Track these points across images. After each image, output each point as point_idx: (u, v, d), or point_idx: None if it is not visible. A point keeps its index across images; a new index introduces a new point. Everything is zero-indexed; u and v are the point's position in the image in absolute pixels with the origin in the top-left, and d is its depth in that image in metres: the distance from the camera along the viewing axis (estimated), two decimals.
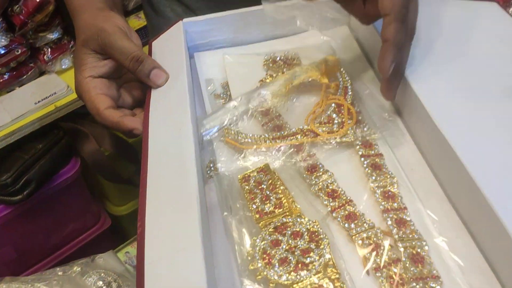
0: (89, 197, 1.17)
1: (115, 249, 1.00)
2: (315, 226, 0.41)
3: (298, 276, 0.38)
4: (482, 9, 0.56)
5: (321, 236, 0.40)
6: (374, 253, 0.40)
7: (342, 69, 0.57)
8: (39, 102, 1.03)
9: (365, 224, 0.41)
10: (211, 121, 0.55)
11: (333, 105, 0.52)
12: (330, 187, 0.45)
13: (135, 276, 0.51)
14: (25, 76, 1.09)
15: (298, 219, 0.42)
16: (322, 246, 0.40)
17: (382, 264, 0.39)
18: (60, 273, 0.49)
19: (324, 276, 0.39)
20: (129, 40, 0.53)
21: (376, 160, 0.46)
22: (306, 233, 0.41)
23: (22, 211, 1.04)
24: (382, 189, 0.44)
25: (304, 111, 0.55)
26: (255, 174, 0.48)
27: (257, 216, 0.44)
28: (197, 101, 0.61)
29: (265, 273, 0.39)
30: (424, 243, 0.39)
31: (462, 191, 0.40)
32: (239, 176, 0.48)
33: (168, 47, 0.60)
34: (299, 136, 0.51)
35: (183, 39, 0.59)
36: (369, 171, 0.45)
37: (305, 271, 0.38)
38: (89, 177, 1.19)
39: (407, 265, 0.38)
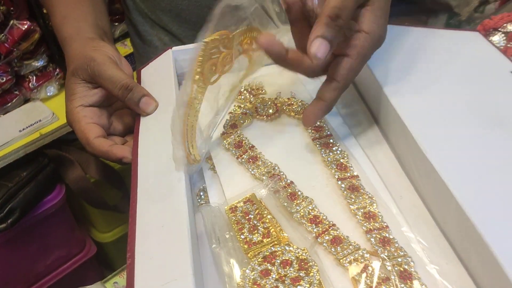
0: (74, 224, 1.16)
1: (102, 279, 0.99)
2: (304, 254, 0.42)
3: None
4: (465, 38, 0.59)
5: (310, 263, 0.41)
6: (363, 274, 0.41)
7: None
8: (23, 129, 1.03)
9: (350, 247, 0.42)
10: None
11: None
12: (312, 213, 0.46)
13: None
14: (9, 104, 1.09)
15: (287, 248, 0.43)
16: (311, 274, 0.41)
17: (374, 285, 0.40)
18: None
19: None
20: (119, 69, 0.54)
21: (353, 181, 0.48)
22: (295, 261, 0.42)
23: (6, 239, 1.02)
24: (362, 210, 0.45)
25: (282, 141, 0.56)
26: (242, 204, 0.49)
27: (246, 246, 0.45)
28: None
29: None
30: (409, 259, 0.40)
31: (450, 216, 0.41)
32: (225, 208, 0.49)
33: (158, 75, 0.61)
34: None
35: (172, 67, 0.61)
36: (347, 193, 0.47)
37: None
38: (74, 204, 1.18)
39: (397, 282, 0.39)
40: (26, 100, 1.12)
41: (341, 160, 0.50)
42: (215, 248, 0.46)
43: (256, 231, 0.45)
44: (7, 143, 1.01)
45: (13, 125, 1.04)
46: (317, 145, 0.52)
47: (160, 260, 0.41)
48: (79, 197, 1.10)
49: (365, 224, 0.43)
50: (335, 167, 0.49)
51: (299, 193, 0.48)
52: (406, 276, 0.39)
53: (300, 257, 0.42)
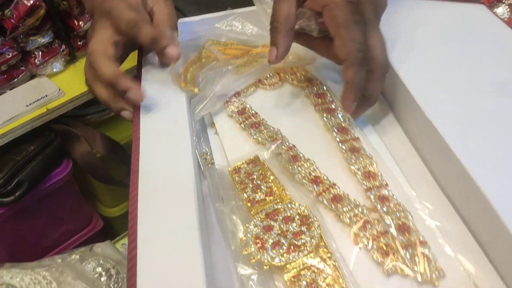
0: (81, 199, 1.18)
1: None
2: (306, 210, 0.43)
3: (290, 257, 0.40)
4: (469, 10, 0.59)
5: (312, 219, 0.42)
6: (363, 230, 0.42)
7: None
8: (30, 104, 1.04)
9: (351, 204, 0.43)
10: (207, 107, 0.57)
11: None
12: (313, 174, 0.47)
13: None
14: (16, 80, 1.10)
15: (289, 205, 0.44)
16: (313, 228, 0.42)
17: (372, 238, 0.41)
18: (59, 260, 0.51)
19: (316, 255, 0.41)
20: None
21: (354, 144, 0.49)
22: (297, 217, 0.43)
23: (14, 212, 1.04)
24: (362, 170, 0.46)
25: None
26: (245, 165, 0.50)
27: (249, 204, 0.46)
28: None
29: (258, 256, 0.41)
30: (408, 214, 0.41)
31: (453, 178, 0.42)
32: (229, 168, 0.51)
33: None
34: None
35: None
36: (348, 155, 0.48)
37: (297, 253, 0.40)
38: (80, 179, 1.20)
39: (395, 235, 0.40)
40: (32, 76, 1.13)
41: (343, 124, 0.51)
42: (219, 207, 0.47)
43: (259, 190, 0.46)
44: (14, 117, 1.02)
45: (20, 100, 1.06)
46: (319, 111, 0.53)
47: (165, 216, 0.42)
48: (86, 171, 1.12)
49: (364, 182, 0.45)
50: (336, 130, 0.50)
51: (301, 155, 0.49)
52: (404, 229, 0.40)
53: (302, 213, 0.43)
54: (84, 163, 1.10)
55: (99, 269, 0.52)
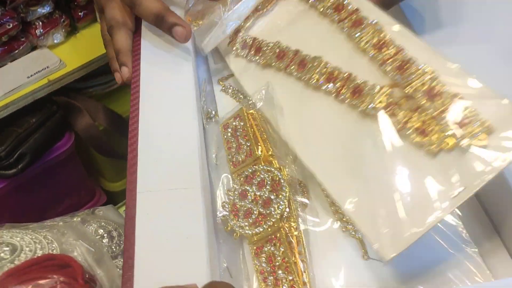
0: (83, 173, 1.17)
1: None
2: (279, 174, 0.43)
3: (256, 230, 0.40)
4: None
5: (282, 185, 0.42)
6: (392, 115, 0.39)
7: None
8: (31, 76, 1.03)
9: (372, 90, 0.40)
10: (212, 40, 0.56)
11: None
12: (327, 71, 0.44)
13: None
14: (17, 51, 1.08)
15: (266, 167, 0.44)
16: (280, 196, 0.41)
17: (400, 117, 0.38)
18: (60, 223, 0.50)
19: (281, 226, 0.40)
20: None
21: (354, 17, 0.45)
22: (269, 183, 0.42)
23: (17, 185, 1.03)
24: (371, 42, 0.43)
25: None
26: (232, 120, 0.50)
27: (232, 167, 0.46)
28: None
29: (231, 224, 0.41)
30: (434, 74, 0.38)
31: None
32: (221, 124, 0.50)
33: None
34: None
35: None
36: (351, 32, 0.45)
37: (263, 223, 0.40)
38: (83, 153, 1.19)
39: (427, 104, 0.37)
40: (33, 48, 1.11)
41: (336, 3, 0.47)
42: (215, 161, 0.47)
43: (241, 150, 0.46)
44: (15, 89, 1.00)
45: (21, 71, 1.04)
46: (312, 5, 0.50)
47: (167, 165, 0.41)
48: (88, 144, 1.11)
49: (378, 56, 0.42)
50: (332, 11, 0.48)
51: (307, 57, 0.47)
52: (433, 94, 0.37)
53: (275, 177, 0.42)
54: (87, 136, 1.09)
55: (100, 231, 0.52)
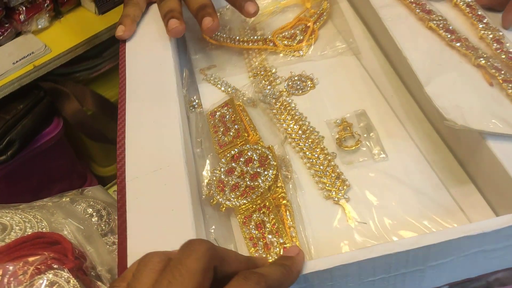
0: (74, 158, 1.17)
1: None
2: (267, 151, 0.44)
3: (244, 200, 0.41)
4: None
5: (270, 160, 0.43)
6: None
7: (327, 1, 0.60)
8: (17, 62, 1.02)
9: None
10: (195, 21, 0.58)
11: (302, 26, 0.57)
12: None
13: None
14: (1, 37, 1.07)
15: (254, 146, 0.45)
16: (268, 169, 0.42)
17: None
18: (50, 203, 0.50)
19: (269, 196, 0.41)
20: None
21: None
22: (257, 159, 0.43)
23: (7, 172, 1.03)
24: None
25: None
26: (220, 109, 0.50)
27: (217, 147, 0.47)
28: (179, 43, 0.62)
29: (217, 198, 0.42)
30: None
31: None
32: (207, 112, 0.51)
33: None
34: (260, 43, 0.58)
35: None
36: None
37: (251, 194, 0.41)
38: (73, 138, 1.18)
39: None
40: (18, 33, 1.10)
41: None
42: (196, 150, 0.48)
43: (228, 133, 0.47)
44: (1, 75, 1.00)
45: (6, 58, 1.03)
46: None
47: (152, 149, 0.42)
48: (77, 129, 1.11)
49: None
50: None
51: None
52: None
53: (262, 154, 0.43)
54: (75, 121, 1.08)
55: (89, 210, 0.52)
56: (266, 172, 0.42)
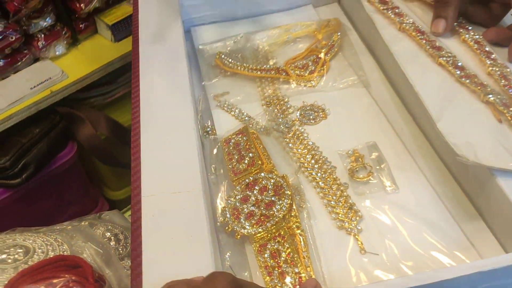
0: (87, 182, 1.19)
1: None
2: (281, 180, 0.45)
3: (259, 229, 0.42)
4: None
5: (284, 189, 0.44)
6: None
7: (338, 33, 0.62)
8: (34, 87, 1.05)
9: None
10: (210, 47, 0.60)
11: (313, 56, 0.59)
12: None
13: None
14: (20, 63, 1.10)
15: (268, 175, 0.46)
16: (283, 198, 0.43)
17: None
18: (69, 227, 0.52)
19: (284, 225, 0.42)
20: None
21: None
22: (271, 187, 0.45)
23: (21, 194, 1.05)
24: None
25: None
26: (234, 136, 0.52)
27: (232, 175, 0.48)
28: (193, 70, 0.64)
29: (233, 225, 0.43)
30: None
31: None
32: (221, 139, 0.52)
33: (164, 18, 0.62)
34: (273, 72, 0.60)
35: (179, 13, 0.62)
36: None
37: (266, 223, 0.42)
38: (86, 162, 1.21)
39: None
40: (36, 59, 1.14)
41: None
42: (210, 176, 0.49)
43: (243, 161, 0.48)
44: (19, 100, 1.03)
45: (24, 83, 1.06)
46: None
47: (168, 173, 0.43)
48: (91, 154, 1.13)
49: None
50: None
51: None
52: None
53: (277, 183, 0.45)
54: (89, 145, 1.11)
55: (108, 234, 0.54)
56: (280, 202, 0.43)
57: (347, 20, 0.69)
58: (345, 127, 0.55)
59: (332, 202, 0.46)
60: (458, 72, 0.50)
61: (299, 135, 0.54)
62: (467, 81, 0.49)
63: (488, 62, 0.52)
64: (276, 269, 0.40)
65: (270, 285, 0.39)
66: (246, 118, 0.57)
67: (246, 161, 0.49)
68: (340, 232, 0.44)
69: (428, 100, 0.46)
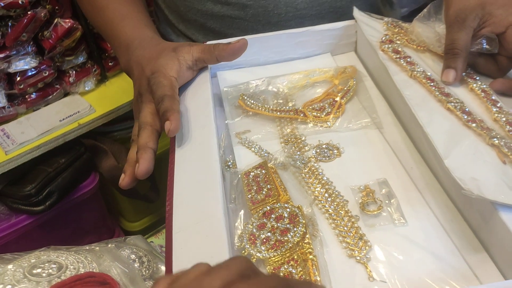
0: (105, 212, 1.23)
1: None
2: (296, 210, 0.49)
3: (274, 253, 0.45)
4: None
5: (299, 218, 0.48)
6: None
7: (354, 79, 0.67)
8: (63, 119, 1.11)
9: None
10: (234, 89, 0.65)
11: (330, 100, 0.64)
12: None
13: (162, 255, 0.57)
14: (50, 96, 1.17)
15: (284, 205, 0.50)
16: (298, 226, 0.47)
17: None
18: (97, 248, 0.55)
19: (297, 250, 0.46)
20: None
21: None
22: (287, 216, 0.48)
23: (43, 221, 1.09)
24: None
25: None
26: (254, 170, 0.56)
27: (250, 204, 0.52)
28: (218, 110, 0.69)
29: (249, 250, 0.46)
30: None
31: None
32: (242, 172, 0.57)
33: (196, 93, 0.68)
34: (292, 113, 0.65)
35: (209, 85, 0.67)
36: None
37: (280, 248, 0.46)
38: (105, 194, 1.25)
39: None
40: (66, 94, 1.20)
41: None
42: (230, 205, 0.53)
43: (261, 191, 0.52)
44: (48, 131, 1.08)
45: (54, 115, 1.12)
46: None
47: (195, 204, 0.47)
48: (112, 185, 1.17)
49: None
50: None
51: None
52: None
53: (292, 212, 0.48)
54: (110, 177, 1.15)
55: (132, 256, 0.57)
56: (295, 228, 0.47)
57: (362, 67, 0.74)
58: (358, 164, 0.58)
59: (343, 232, 0.49)
60: (465, 117, 0.54)
61: (314, 170, 0.58)
62: (474, 125, 0.53)
63: (494, 109, 0.56)
64: None
65: None
66: (266, 154, 0.61)
67: (264, 192, 0.52)
68: (350, 260, 0.47)
69: (437, 140, 0.50)
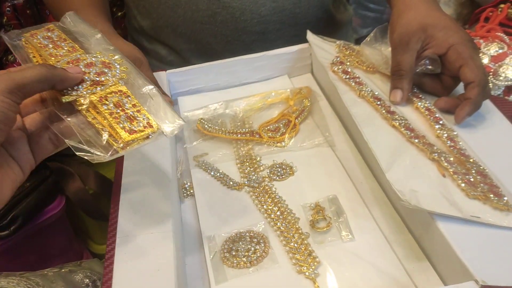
0: (72, 235, 1.21)
1: None
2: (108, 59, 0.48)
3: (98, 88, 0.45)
4: None
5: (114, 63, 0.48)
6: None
7: (308, 99, 0.69)
8: None
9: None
10: (192, 114, 0.67)
11: (285, 120, 0.65)
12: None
13: None
14: None
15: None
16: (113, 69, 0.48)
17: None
18: (50, 273, 0.55)
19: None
20: None
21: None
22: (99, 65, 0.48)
23: (8, 247, 1.07)
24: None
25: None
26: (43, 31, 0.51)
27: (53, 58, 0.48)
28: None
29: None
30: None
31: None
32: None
33: None
34: (248, 135, 0.67)
35: (167, 88, 0.70)
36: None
37: (100, 86, 0.46)
38: (72, 216, 1.23)
39: None
40: None
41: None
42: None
43: (61, 49, 0.49)
44: None
45: None
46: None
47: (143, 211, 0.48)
48: (78, 207, 1.16)
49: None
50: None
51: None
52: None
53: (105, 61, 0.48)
54: (77, 199, 1.14)
55: (86, 280, 0.57)
56: (111, 71, 0.46)
57: (318, 88, 0.77)
58: (310, 182, 0.60)
59: (293, 249, 0.51)
60: (409, 133, 0.56)
61: (268, 189, 0.59)
62: (416, 140, 0.55)
63: (437, 126, 0.58)
64: (123, 113, 0.43)
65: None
66: (221, 175, 0.62)
67: (66, 49, 0.49)
68: (299, 276, 0.48)
69: (380, 154, 0.52)
